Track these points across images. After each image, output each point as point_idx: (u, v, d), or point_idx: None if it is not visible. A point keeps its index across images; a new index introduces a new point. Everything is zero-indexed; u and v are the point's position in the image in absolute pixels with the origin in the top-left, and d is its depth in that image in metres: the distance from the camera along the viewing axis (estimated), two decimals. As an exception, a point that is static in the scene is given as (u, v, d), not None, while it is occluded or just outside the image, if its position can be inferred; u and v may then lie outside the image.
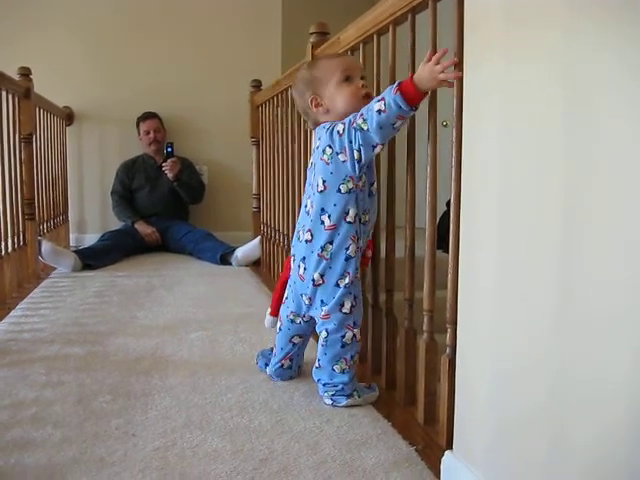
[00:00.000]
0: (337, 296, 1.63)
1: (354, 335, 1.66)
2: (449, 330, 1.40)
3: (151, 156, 4.54)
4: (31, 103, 3.50)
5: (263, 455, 1.38)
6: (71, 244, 4.65)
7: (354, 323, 1.66)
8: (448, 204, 1.45)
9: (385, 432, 1.50)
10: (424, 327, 1.55)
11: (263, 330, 2.33)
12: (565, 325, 0.88)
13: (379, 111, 1.48)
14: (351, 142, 1.55)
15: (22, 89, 3.40)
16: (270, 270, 3.54)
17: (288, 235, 2.99)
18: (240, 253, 3.89)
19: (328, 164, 1.61)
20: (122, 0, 4.64)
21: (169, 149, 4.35)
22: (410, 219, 1.67)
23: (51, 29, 4.56)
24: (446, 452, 1.27)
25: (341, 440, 1.45)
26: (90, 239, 4.50)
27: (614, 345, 0.79)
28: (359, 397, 1.65)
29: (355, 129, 1.54)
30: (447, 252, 1.40)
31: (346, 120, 1.58)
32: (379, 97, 1.51)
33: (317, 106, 1.70)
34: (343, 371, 1.65)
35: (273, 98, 3.36)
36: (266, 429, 1.50)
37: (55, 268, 3.66)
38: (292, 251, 1.75)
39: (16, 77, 3.41)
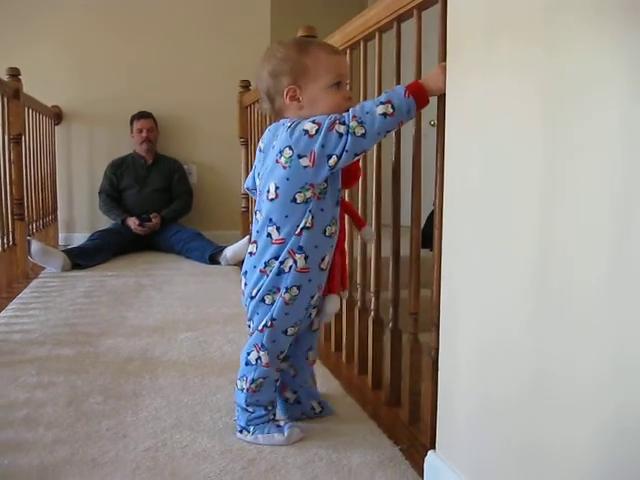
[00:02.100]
0: (261, 313, 1.44)
1: (259, 357, 1.46)
2: (433, 331, 1.43)
3: (141, 155, 4.56)
4: (20, 104, 3.51)
5: (251, 455, 1.41)
6: (60, 243, 4.66)
7: (262, 345, 1.45)
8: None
9: (371, 432, 1.54)
10: (409, 329, 1.59)
11: (252, 330, 2.36)
12: (542, 327, 0.92)
13: (384, 114, 1.31)
14: (324, 146, 1.33)
15: (11, 90, 3.41)
16: (259, 270, 3.56)
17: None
18: (229, 252, 3.92)
19: (285, 168, 1.37)
20: (114, 1, 4.65)
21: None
22: (395, 221, 1.69)
23: (39, 28, 4.57)
24: (429, 452, 1.30)
25: (327, 440, 1.48)
26: (79, 238, 4.52)
27: (591, 347, 0.83)
28: (251, 434, 1.47)
29: (340, 133, 1.32)
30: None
31: (320, 119, 1.36)
32: (381, 99, 1.33)
33: (292, 99, 1.44)
34: (242, 390, 1.49)
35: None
36: (254, 429, 1.54)
37: (44, 268, 3.67)
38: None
39: (5, 77, 3.42)
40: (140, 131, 4.52)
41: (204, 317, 2.60)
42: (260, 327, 1.45)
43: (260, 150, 1.50)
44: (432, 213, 2.30)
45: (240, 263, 3.81)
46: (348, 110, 1.40)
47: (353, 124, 1.32)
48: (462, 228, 1.17)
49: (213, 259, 3.94)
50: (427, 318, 1.47)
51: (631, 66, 0.74)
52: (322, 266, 1.44)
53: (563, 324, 0.87)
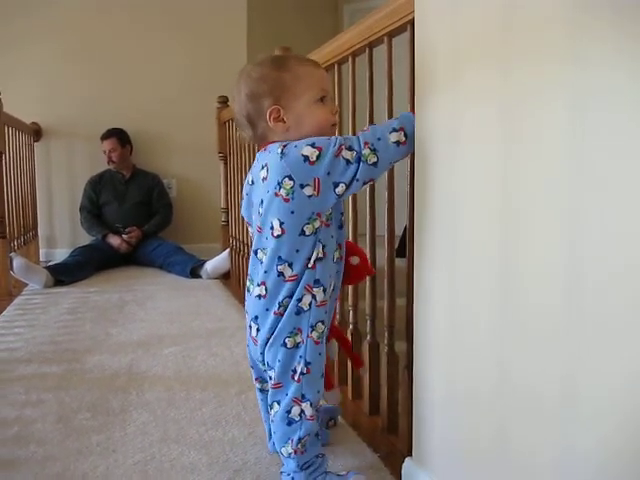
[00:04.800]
0: (283, 359, 1.29)
1: (302, 411, 1.30)
2: (407, 343, 1.50)
3: (118, 171, 4.60)
4: (1, 122, 3.54)
5: (237, 466, 1.47)
6: (41, 259, 4.68)
7: (302, 396, 1.29)
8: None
9: (351, 440, 1.60)
10: (385, 341, 1.66)
11: (234, 345, 2.42)
12: (506, 339, 0.99)
13: (397, 142, 1.23)
14: (329, 174, 1.20)
15: (-9, 109, 3.44)
16: (239, 283, 3.62)
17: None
18: (210, 266, 3.97)
19: (288, 201, 1.23)
20: (90, 16, 4.70)
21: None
22: (370, 235, 1.76)
23: (18, 45, 4.60)
24: (406, 458, 1.37)
25: (310, 449, 1.55)
26: (60, 254, 4.55)
27: (550, 356, 0.90)
28: None
29: (347, 160, 1.21)
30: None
31: (321, 143, 1.22)
32: (394, 125, 1.25)
33: (277, 120, 1.30)
34: (289, 455, 1.32)
35: (240, 115, 3.44)
36: (239, 441, 1.59)
37: (27, 285, 3.70)
38: (246, 306, 1.40)
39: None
40: (104, 152, 4.58)
41: (188, 331, 2.65)
42: (297, 377, 1.29)
43: (250, 183, 1.37)
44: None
45: (221, 276, 3.95)
46: (335, 125, 1.35)
47: (366, 152, 1.21)
48: (433, 245, 1.24)
49: (194, 273, 3.99)
50: (403, 326, 1.53)
51: (585, 86, 0.82)
52: (330, 294, 1.34)
53: (525, 337, 0.95)
